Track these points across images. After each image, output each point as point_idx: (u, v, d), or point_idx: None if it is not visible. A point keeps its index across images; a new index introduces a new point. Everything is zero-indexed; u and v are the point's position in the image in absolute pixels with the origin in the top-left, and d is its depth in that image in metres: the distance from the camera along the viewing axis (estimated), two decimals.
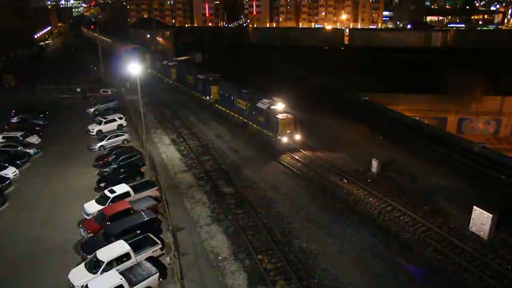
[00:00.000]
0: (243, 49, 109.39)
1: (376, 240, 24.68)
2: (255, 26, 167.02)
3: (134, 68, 36.30)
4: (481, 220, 24.57)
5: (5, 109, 50.43)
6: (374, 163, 33.75)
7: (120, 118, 46.23)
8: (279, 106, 38.80)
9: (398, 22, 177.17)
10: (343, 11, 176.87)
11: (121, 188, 29.03)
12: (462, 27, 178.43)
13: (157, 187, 30.58)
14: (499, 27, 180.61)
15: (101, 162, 35.48)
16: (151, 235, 23.84)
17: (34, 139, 41.61)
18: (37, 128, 45.01)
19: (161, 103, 58.10)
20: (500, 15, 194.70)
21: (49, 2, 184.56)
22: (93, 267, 21.28)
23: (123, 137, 41.29)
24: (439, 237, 24.78)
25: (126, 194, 28.68)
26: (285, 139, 37.80)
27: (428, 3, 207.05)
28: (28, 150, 38.26)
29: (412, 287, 20.99)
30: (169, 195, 30.38)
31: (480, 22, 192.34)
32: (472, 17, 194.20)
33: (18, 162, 35.80)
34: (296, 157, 37.15)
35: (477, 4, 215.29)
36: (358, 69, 72.61)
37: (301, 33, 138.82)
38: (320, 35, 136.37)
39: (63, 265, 22.37)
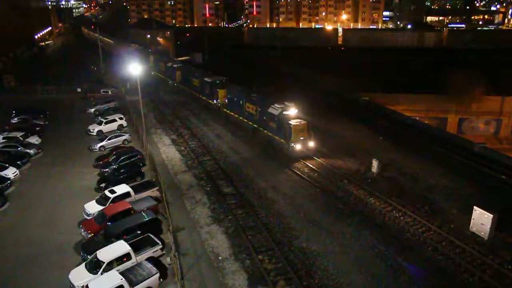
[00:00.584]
0: (243, 50, 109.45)
1: (376, 240, 24.69)
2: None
3: (134, 68, 36.37)
4: (481, 220, 24.57)
5: (5, 110, 50.49)
6: (374, 163, 33.76)
7: (121, 119, 46.27)
8: (292, 111, 37.19)
9: (398, 22, 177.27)
10: (343, 11, 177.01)
11: (122, 189, 29.04)
12: (463, 27, 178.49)
13: (157, 187, 30.59)
14: (500, 27, 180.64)
15: (101, 162, 35.50)
16: (151, 236, 23.84)
17: (34, 140, 41.62)
18: (37, 128, 45.05)
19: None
20: (501, 15, 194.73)
21: (49, 3, 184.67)
22: (93, 267, 21.29)
23: (124, 138, 41.32)
24: (439, 237, 24.78)
25: (127, 195, 28.69)
26: (298, 146, 36.14)
27: (428, 3, 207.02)
28: (28, 151, 38.28)
29: (412, 287, 20.99)
30: (170, 195, 30.40)
31: (480, 22, 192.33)
32: (472, 17, 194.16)
33: (19, 162, 35.83)
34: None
35: (477, 4, 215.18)
36: (359, 70, 72.73)
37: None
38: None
39: (64, 265, 22.38)
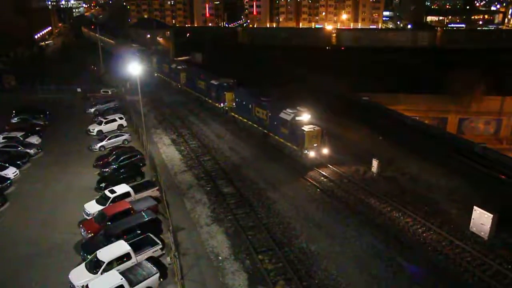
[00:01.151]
0: (243, 49, 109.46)
1: (376, 240, 24.69)
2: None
3: (134, 68, 36.35)
4: (481, 220, 24.57)
5: (6, 109, 50.49)
6: (374, 163, 33.75)
7: (121, 118, 46.25)
8: (305, 116, 35.69)
9: (398, 22, 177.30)
10: (343, 11, 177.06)
11: (122, 188, 29.03)
12: (462, 27, 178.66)
13: (157, 187, 30.59)
14: (500, 27, 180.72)
15: (101, 162, 35.50)
16: (151, 235, 23.85)
17: (34, 139, 41.61)
18: (37, 128, 45.05)
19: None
20: (501, 15, 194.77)
21: (49, 2, 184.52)
22: (93, 267, 21.29)
23: (124, 137, 41.32)
24: (439, 237, 24.78)
25: (127, 194, 28.69)
26: (312, 154, 34.75)
27: (428, 3, 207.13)
28: (28, 150, 38.27)
29: (412, 287, 20.99)
30: (170, 195, 30.41)
31: (480, 22, 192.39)
32: (472, 17, 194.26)
33: (19, 162, 35.82)
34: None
35: (477, 4, 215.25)
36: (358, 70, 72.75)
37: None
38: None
39: (64, 265, 22.39)
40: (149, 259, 22.46)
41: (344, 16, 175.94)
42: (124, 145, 40.02)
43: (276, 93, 45.96)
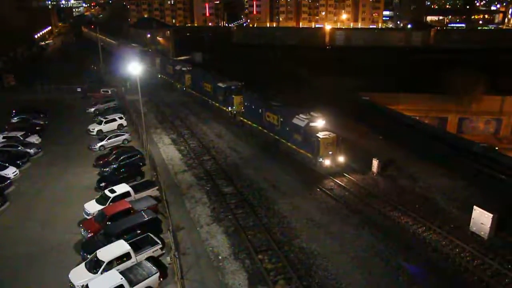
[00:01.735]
0: (242, 49, 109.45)
1: (376, 240, 24.69)
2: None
3: (134, 68, 36.33)
4: (481, 220, 24.57)
5: (6, 109, 50.48)
6: (375, 163, 33.75)
7: (120, 118, 46.25)
8: (319, 122, 34.06)
9: (398, 22, 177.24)
10: (343, 10, 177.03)
11: (122, 188, 29.02)
12: (463, 26, 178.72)
13: (157, 187, 30.59)
14: (500, 26, 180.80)
15: (101, 162, 35.47)
16: (151, 235, 23.83)
17: (34, 139, 41.60)
18: (37, 128, 45.04)
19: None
20: (501, 15, 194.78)
21: (49, 2, 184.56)
22: (93, 267, 21.27)
23: (123, 137, 41.31)
24: (439, 237, 24.79)
25: (127, 194, 28.67)
26: (327, 162, 33.04)
27: (428, 3, 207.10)
28: (28, 150, 38.26)
29: (412, 287, 20.99)
30: (170, 195, 30.41)
31: (480, 22, 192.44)
32: (473, 16, 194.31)
33: (19, 162, 35.79)
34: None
35: (477, 4, 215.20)
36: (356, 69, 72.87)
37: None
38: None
39: (63, 265, 22.37)
40: (149, 258, 22.45)
41: (344, 16, 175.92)
42: (124, 145, 40.03)
43: (282, 95, 45.27)
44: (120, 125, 45.58)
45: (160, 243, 23.46)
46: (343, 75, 67.58)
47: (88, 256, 22.31)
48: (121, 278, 20.01)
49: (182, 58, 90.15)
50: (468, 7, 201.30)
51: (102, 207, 27.19)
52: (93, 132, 44.31)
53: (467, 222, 25.41)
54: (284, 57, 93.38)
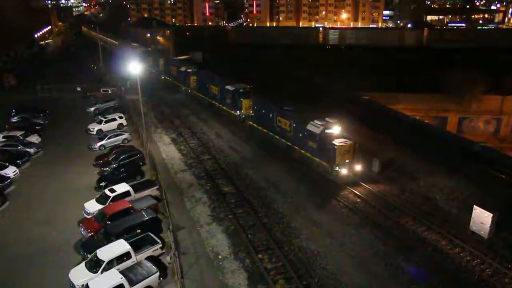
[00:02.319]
0: (242, 49, 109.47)
1: (376, 239, 24.68)
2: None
3: (134, 67, 36.27)
4: (481, 219, 24.56)
5: (5, 109, 50.46)
6: (375, 163, 33.73)
7: (120, 117, 46.24)
8: (335, 129, 32.23)
9: (398, 22, 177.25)
10: (343, 10, 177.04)
11: (122, 187, 29.01)
12: (463, 26, 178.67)
13: (157, 186, 30.58)
14: (500, 26, 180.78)
15: (101, 161, 35.48)
16: (151, 235, 23.83)
17: (34, 138, 41.57)
18: (37, 127, 45.02)
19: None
20: (501, 14, 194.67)
21: (49, 1, 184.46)
22: (93, 266, 21.28)
23: (123, 136, 41.31)
24: (439, 237, 24.78)
25: (127, 193, 28.66)
26: (344, 171, 31.42)
27: (428, 2, 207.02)
28: (28, 149, 38.24)
29: (412, 287, 20.99)
30: (170, 195, 30.40)
31: (480, 21, 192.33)
32: (472, 16, 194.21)
33: (19, 161, 35.80)
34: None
35: (477, 3, 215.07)
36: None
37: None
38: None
39: (63, 264, 22.38)
40: (149, 258, 22.47)
41: (344, 15, 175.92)
42: (124, 144, 40.02)
43: (286, 96, 44.43)
44: (120, 125, 45.59)
45: (160, 242, 23.45)
46: (342, 74, 67.51)
47: (88, 255, 22.31)
48: (121, 278, 20.01)
49: (182, 57, 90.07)
50: (468, 6, 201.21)
51: (102, 206, 27.18)
52: (93, 131, 44.29)
53: (467, 222, 25.37)
54: (283, 57, 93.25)
